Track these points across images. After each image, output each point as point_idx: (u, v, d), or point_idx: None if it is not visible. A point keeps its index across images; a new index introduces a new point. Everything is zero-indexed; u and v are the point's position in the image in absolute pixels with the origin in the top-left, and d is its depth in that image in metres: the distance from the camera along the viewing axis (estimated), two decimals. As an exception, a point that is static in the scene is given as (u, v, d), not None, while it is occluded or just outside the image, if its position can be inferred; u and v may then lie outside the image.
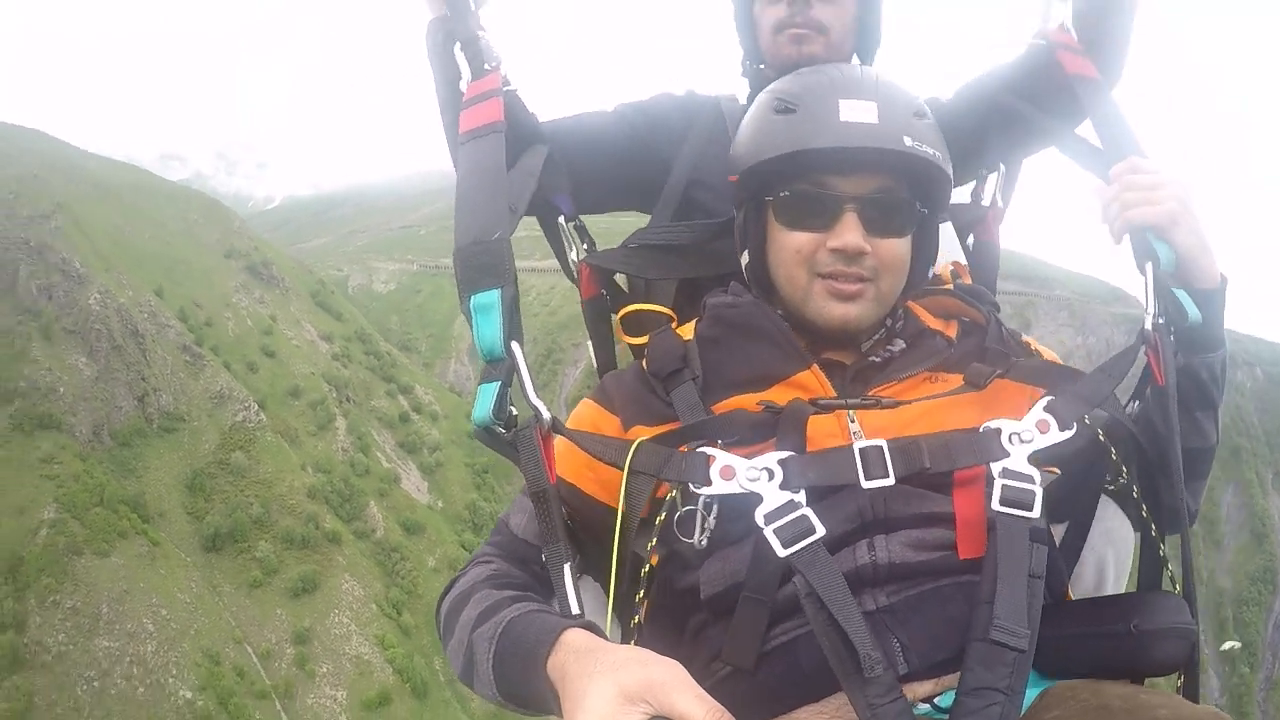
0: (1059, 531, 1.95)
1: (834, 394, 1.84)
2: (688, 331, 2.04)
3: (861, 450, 1.66)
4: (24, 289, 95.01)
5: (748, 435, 1.75)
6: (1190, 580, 1.77)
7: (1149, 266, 1.82)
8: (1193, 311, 1.79)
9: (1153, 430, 1.83)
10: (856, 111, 1.82)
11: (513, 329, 1.74)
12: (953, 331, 2.03)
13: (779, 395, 1.83)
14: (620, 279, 2.59)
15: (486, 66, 2.16)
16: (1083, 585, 2.11)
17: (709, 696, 1.31)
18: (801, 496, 1.61)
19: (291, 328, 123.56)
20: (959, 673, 1.48)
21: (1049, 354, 2.03)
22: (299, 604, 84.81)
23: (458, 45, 2.18)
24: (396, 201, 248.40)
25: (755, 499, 1.60)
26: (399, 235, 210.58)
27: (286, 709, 76.76)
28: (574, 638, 1.46)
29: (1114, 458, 1.81)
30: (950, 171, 1.92)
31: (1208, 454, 1.96)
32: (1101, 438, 1.80)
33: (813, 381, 1.86)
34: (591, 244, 2.55)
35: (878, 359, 1.93)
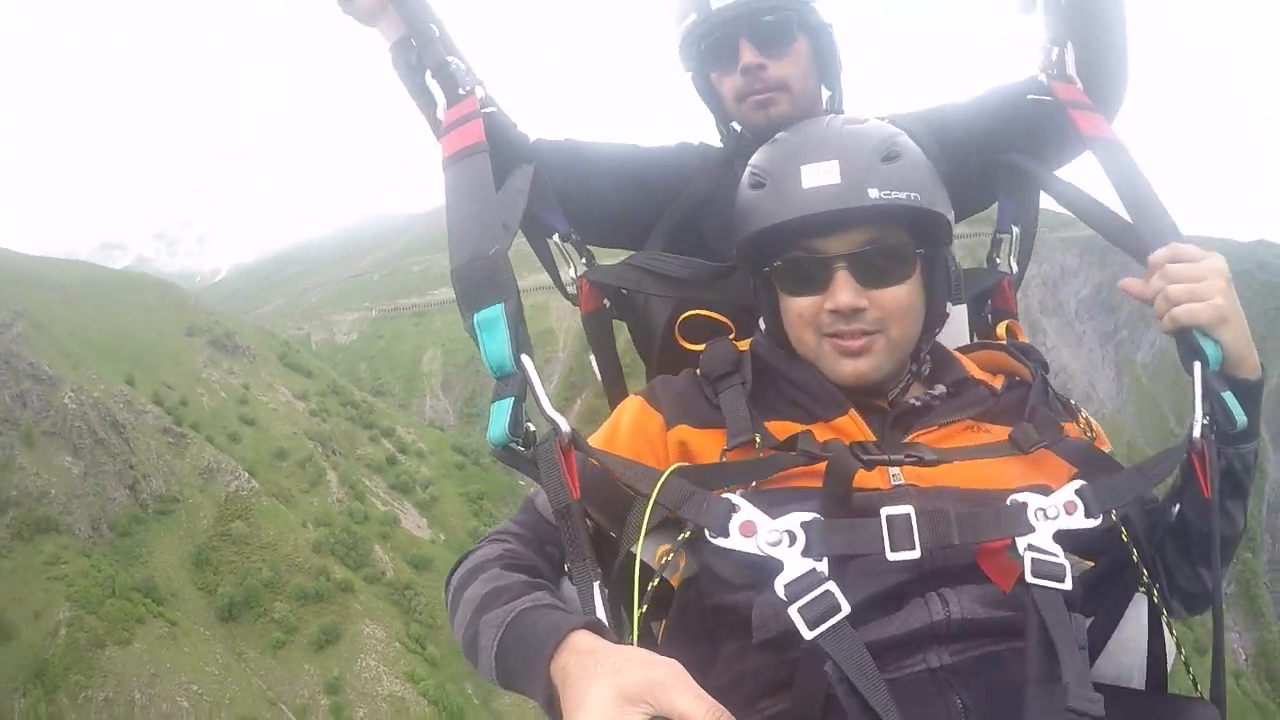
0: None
1: (873, 437, 1.84)
2: (741, 344, 2.10)
3: (889, 518, 1.61)
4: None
5: (790, 466, 1.76)
6: (1220, 680, 1.73)
7: (1197, 367, 1.78)
8: (1240, 418, 1.76)
9: (1186, 524, 1.83)
10: (817, 175, 1.82)
11: (521, 341, 1.71)
12: (997, 384, 2.05)
13: (818, 434, 1.84)
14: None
15: (461, 91, 2.19)
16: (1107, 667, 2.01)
17: (708, 696, 1.30)
18: (824, 565, 1.56)
19: (265, 393, 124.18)
20: None
21: (1088, 418, 2.03)
22: (324, 656, 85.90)
23: (428, 73, 2.23)
24: (344, 253, 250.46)
25: (777, 564, 1.57)
26: (352, 285, 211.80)
27: (331, 760, 77.92)
28: (578, 640, 1.45)
29: (1135, 560, 1.74)
30: (939, 204, 1.89)
31: (1237, 540, 1.95)
32: (1124, 537, 1.73)
33: (851, 426, 1.86)
34: (590, 258, 2.58)
35: (918, 403, 1.93)
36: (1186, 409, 1.78)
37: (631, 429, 1.99)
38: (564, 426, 1.68)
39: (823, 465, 1.73)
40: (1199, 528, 1.78)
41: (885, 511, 1.62)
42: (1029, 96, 2.37)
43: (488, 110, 2.22)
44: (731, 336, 2.19)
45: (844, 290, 1.83)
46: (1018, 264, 2.59)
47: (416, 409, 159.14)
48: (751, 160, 2.02)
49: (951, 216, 2.07)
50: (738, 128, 2.58)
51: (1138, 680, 1.86)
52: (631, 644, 1.55)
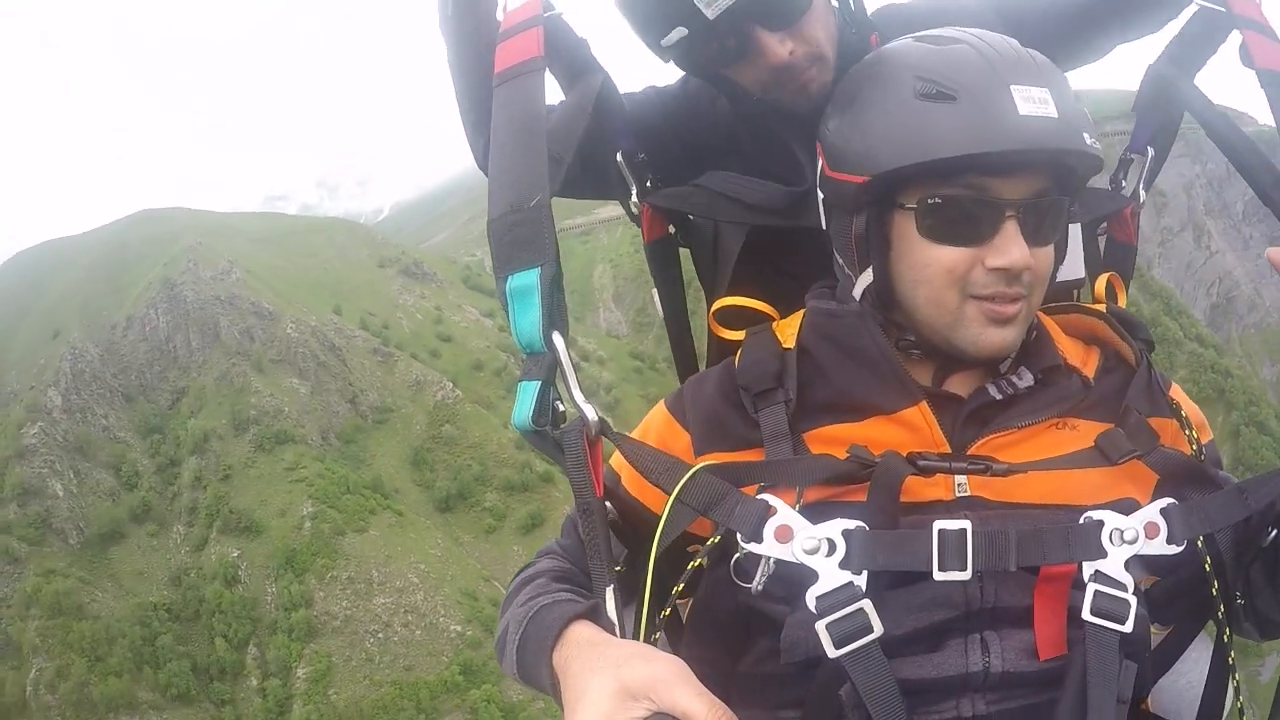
0: (1157, 636, 1.71)
1: (942, 436, 1.60)
2: (787, 331, 1.80)
3: (941, 533, 1.42)
4: (228, 336, 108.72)
5: (832, 481, 1.55)
6: None
7: None
8: None
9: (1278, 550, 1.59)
10: (1034, 103, 1.48)
11: (554, 317, 1.47)
12: (1091, 367, 1.76)
13: (877, 430, 1.61)
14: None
15: None
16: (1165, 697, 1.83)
17: (710, 693, 1.25)
18: (863, 580, 1.40)
19: (455, 313, 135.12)
20: None
21: (1192, 407, 1.78)
22: (531, 538, 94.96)
23: None
24: None
25: (811, 574, 1.41)
26: None
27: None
28: (578, 632, 1.41)
29: (1213, 586, 1.56)
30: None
31: None
32: (1207, 567, 1.55)
33: (919, 420, 1.61)
34: (655, 181, 2.23)
35: (999, 395, 1.66)
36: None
37: (657, 447, 1.67)
38: (591, 416, 1.48)
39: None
40: None
41: (938, 525, 1.43)
42: (1199, 2, 1.97)
43: (551, 13, 1.92)
44: (774, 323, 1.89)
45: (1016, 245, 1.52)
46: (1145, 189, 2.17)
47: (591, 321, 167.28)
48: (919, 67, 1.57)
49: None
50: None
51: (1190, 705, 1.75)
52: (653, 642, 1.47)
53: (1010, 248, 1.52)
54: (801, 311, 1.83)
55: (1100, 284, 2.02)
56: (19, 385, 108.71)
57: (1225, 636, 1.61)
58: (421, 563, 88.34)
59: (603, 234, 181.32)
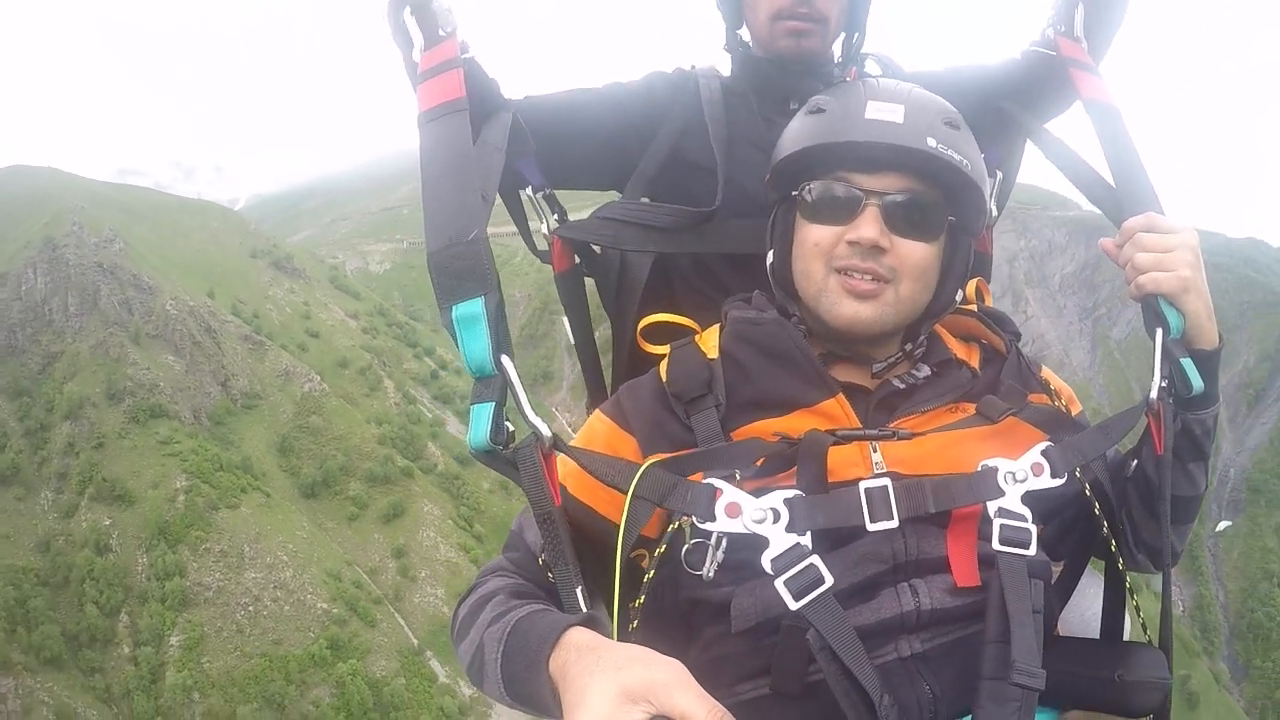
0: (1055, 570, 1.93)
1: (858, 423, 1.78)
2: (709, 343, 1.95)
3: (867, 490, 1.63)
4: (107, 304, 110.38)
5: (765, 467, 1.69)
6: (1168, 629, 1.80)
7: (1159, 333, 1.82)
8: (1197, 383, 1.79)
9: (1147, 482, 1.86)
10: (882, 111, 1.77)
11: (501, 341, 1.61)
12: (975, 359, 2.00)
13: (801, 422, 1.77)
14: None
15: (441, 33, 2.00)
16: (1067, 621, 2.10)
17: (710, 697, 1.28)
18: (808, 540, 1.58)
19: (323, 311, 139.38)
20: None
21: (1061, 384, 2.03)
22: (391, 528, 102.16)
23: (407, 10, 2.00)
24: (370, 186, 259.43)
25: (762, 541, 1.58)
26: (382, 218, 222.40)
27: (399, 608, 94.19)
28: (576, 636, 1.43)
29: (1096, 513, 1.79)
30: (984, 185, 1.86)
31: (1198, 500, 1.97)
32: (1088, 492, 1.78)
33: (837, 410, 1.79)
34: (563, 214, 2.42)
35: (902, 385, 1.88)
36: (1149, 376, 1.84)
37: (606, 453, 1.81)
38: (545, 431, 1.61)
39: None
40: (1157, 485, 1.80)
41: (864, 485, 1.64)
42: (1031, 47, 2.37)
43: (467, 56, 2.03)
44: (694, 336, 2.02)
45: (870, 224, 1.75)
46: (996, 208, 2.48)
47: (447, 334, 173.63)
48: (812, 99, 1.92)
49: (992, 209, 2.11)
50: (745, 38, 2.39)
51: (1095, 632, 1.97)
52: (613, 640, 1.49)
53: (864, 225, 1.75)
54: (718, 325, 2.01)
55: (971, 288, 2.23)
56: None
57: (1118, 564, 1.88)
58: (289, 543, 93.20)
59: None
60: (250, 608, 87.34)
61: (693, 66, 2.55)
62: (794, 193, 1.89)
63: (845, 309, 1.79)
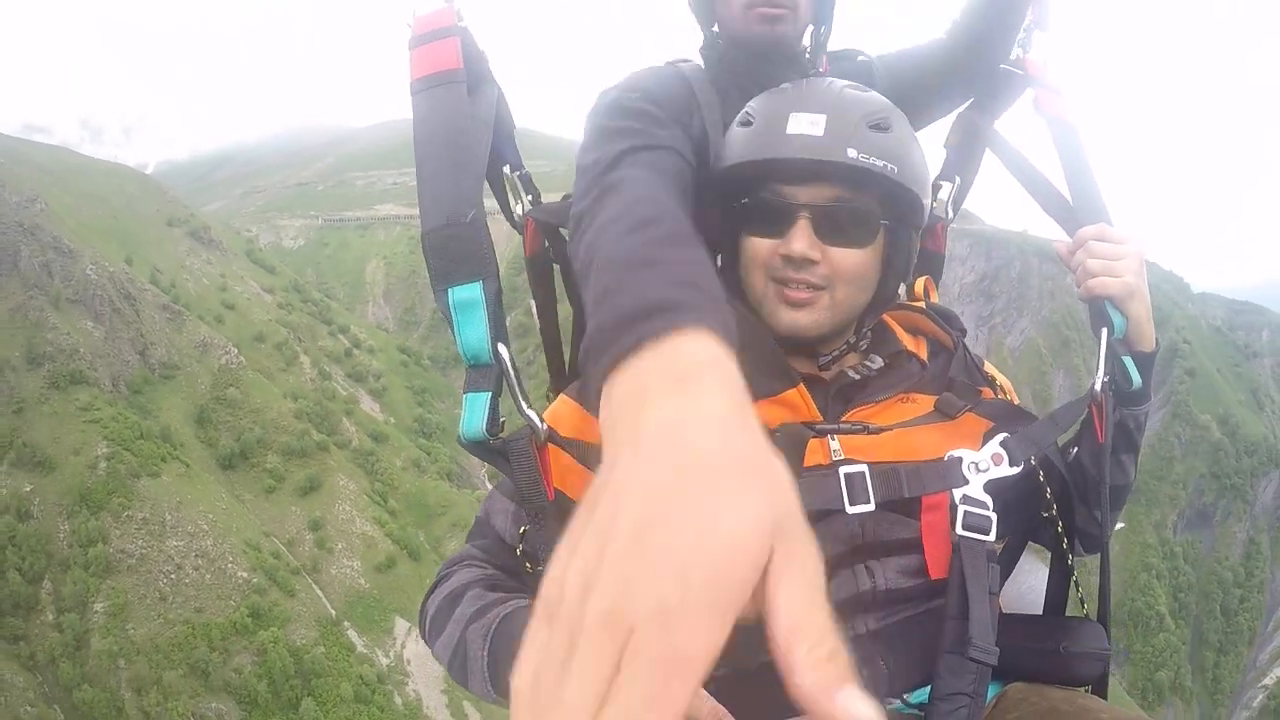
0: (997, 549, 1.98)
1: (818, 413, 1.84)
2: None
3: (846, 475, 1.70)
4: (27, 266, 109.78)
5: None
6: (1107, 605, 1.92)
7: (1104, 332, 1.93)
8: (1136, 379, 1.94)
9: (1084, 471, 1.97)
10: (803, 124, 1.78)
11: (499, 329, 1.59)
12: (923, 352, 2.07)
13: (763, 411, 1.75)
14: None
15: None
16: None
17: (708, 695, 1.26)
18: None
19: (239, 283, 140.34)
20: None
21: (1003, 377, 2.16)
22: (308, 500, 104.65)
23: None
24: (285, 159, 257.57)
25: None
26: (296, 193, 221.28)
27: (317, 580, 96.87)
28: None
29: (1047, 496, 1.90)
30: (916, 184, 1.84)
31: (1127, 489, 2.11)
32: (1041, 477, 1.88)
33: (798, 400, 1.84)
34: (537, 195, 2.35)
35: (857, 376, 1.93)
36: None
37: (573, 437, 1.78)
38: (540, 424, 1.59)
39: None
40: (1094, 474, 1.92)
41: (843, 470, 1.70)
42: (1001, 66, 2.41)
43: (461, 25, 1.95)
44: None
45: (800, 238, 1.78)
46: (953, 210, 2.54)
47: (360, 313, 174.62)
48: (748, 105, 1.94)
49: (929, 201, 2.05)
50: (715, 30, 2.29)
51: (1030, 607, 2.08)
52: None
53: (794, 239, 1.77)
54: None
55: (919, 285, 2.34)
56: None
57: (1063, 544, 1.96)
58: (210, 512, 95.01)
59: (380, 230, 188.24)
60: (173, 575, 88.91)
61: (673, 62, 2.33)
62: (732, 204, 1.90)
63: (784, 317, 1.84)
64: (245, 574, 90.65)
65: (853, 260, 1.83)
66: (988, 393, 2.02)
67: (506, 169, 2.24)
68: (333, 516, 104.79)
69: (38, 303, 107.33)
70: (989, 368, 2.15)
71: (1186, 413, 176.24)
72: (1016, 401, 2.10)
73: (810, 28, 2.30)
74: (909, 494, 1.73)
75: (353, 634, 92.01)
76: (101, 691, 79.56)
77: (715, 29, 2.29)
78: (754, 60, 2.19)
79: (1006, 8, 2.34)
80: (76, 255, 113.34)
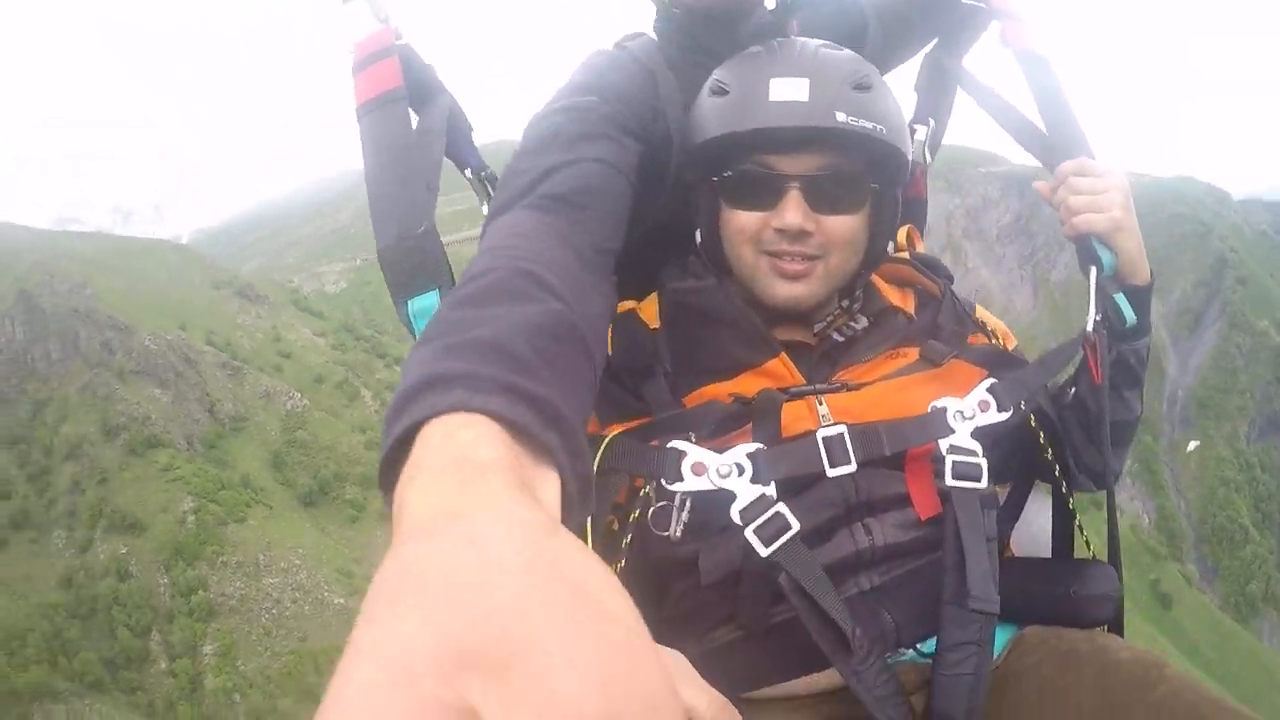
0: (1002, 493, 1.99)
1: (803, 380, 1.81)
2: (649, 313, 1.95)
3: (825, 439, 1.66)
4: (87, 346, 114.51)
5: (721, 426, 1.71)
6: (1116, 547, 1.89)
7: (1093, 270, 1.86)
8: (1130, 316, 1.88)
9: (1085, 409, 1.92)
10: (786, 90, 1.71)
11: None
12: (910, 304, 2.02)
13: (748, 384, 1.79)
14: None
15: (374, 21, 1.95)
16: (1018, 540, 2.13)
17: (712, 689, 1.08)
18: (772, 489, 1.60)
19: (291, 332, 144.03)
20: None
21: (996, 321, 2.09)
22: (391, 524, 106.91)
23: None
24: (315, 209, 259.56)
25: (729, 495, 1.59)
26: (332, 239, 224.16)
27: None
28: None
29: (1041, 442, 1.87)
30: (901, 141, 1.80)
31: (1134, 424, 2.05)
32: (1033, 422, 1.87)
33: (781, 369, 1.81)
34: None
35: (841, 338, 1.90)
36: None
37: None
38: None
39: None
40: (1096, 412, 1.88)
41: (820, 433, 1.67)
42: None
43: (400, 43, 1.96)
44: (633, 306, 1.96)
45: (794, 210, 1.74)
46: (930, 154, 2.47)
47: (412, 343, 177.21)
48: (715, 72, 1.86)
49: (926, 155, 2.07)
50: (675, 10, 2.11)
51: (1044, 546, 2.04)
52: None
53: (788, 212, 1.73)
54: (654, 295, 1.98)
55: (902, 235, 2.27)
56: None
57: (1058, 473, 1.93)
58: (299, 547, 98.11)
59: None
60: (273, 610, 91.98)
61: (622, 43, 2.21)
62: (713, 177, 1.83)
63: (780, 290, 1.80)
64: (341, 600, 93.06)
65: (846, 227, 1.79)
66: (978, 338, 1.98)
67: (468, 172, 2.20)
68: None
69: (103, 378, 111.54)
70: (981, 313, 2.09)
71: (1244, 321, 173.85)
72: (1013, 345, 2.09)
73: None
74: (890, 451, 1.69)
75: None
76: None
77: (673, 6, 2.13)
78: (716, 27, 2.07)
79: None
80: (133, 330, 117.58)
